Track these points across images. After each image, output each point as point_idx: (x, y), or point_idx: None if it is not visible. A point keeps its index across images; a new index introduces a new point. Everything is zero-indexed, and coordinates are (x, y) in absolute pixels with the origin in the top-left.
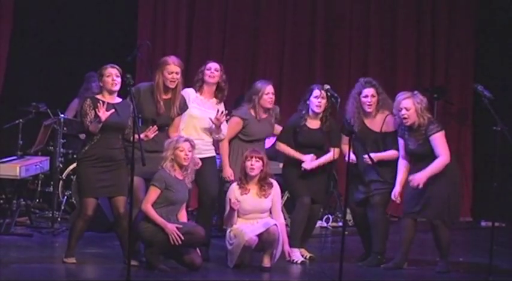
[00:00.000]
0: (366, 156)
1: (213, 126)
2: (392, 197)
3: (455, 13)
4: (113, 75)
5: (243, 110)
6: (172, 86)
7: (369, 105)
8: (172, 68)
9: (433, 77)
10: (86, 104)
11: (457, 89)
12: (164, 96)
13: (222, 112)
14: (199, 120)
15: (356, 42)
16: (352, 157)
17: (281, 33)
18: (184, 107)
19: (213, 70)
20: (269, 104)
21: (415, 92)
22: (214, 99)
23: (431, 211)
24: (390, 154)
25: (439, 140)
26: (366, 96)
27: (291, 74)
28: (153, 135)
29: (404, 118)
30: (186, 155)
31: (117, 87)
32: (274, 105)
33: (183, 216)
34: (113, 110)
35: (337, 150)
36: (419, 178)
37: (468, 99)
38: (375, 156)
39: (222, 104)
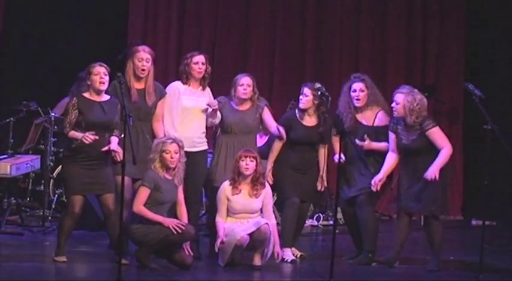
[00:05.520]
0: (360, 143)
1: (210, 110)
2: (372, 183)
3: (446, 12)
4: (101, 74)
5: (222, 97)
6: (142, 75)
7: (357, 99)
8: (142, 54)
9: (424, 76)
10: (70, 103)
11: (447, 87)
12: (137, 86)
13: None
14: (193, 111)
15: (347, 40)
16: (342, 156)
17: (272, 29)
18: (161, 93)
19: (200, 65)
20: (243, 95)
21: (415, 90)
22: (201, 87)
23: (426, 205)
24: (383, 145)
25: (437, 134)
26: (355, 90)
27: (282, 69)
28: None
29: (393, 109)
30: (172, 158)
31: (104, 87)
32: (260, 99)
33: (182, 213)
34: (97, 137)
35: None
36: (432, 171)
37: (459, 98)
38: (369, 143)
39: (208, 89)
